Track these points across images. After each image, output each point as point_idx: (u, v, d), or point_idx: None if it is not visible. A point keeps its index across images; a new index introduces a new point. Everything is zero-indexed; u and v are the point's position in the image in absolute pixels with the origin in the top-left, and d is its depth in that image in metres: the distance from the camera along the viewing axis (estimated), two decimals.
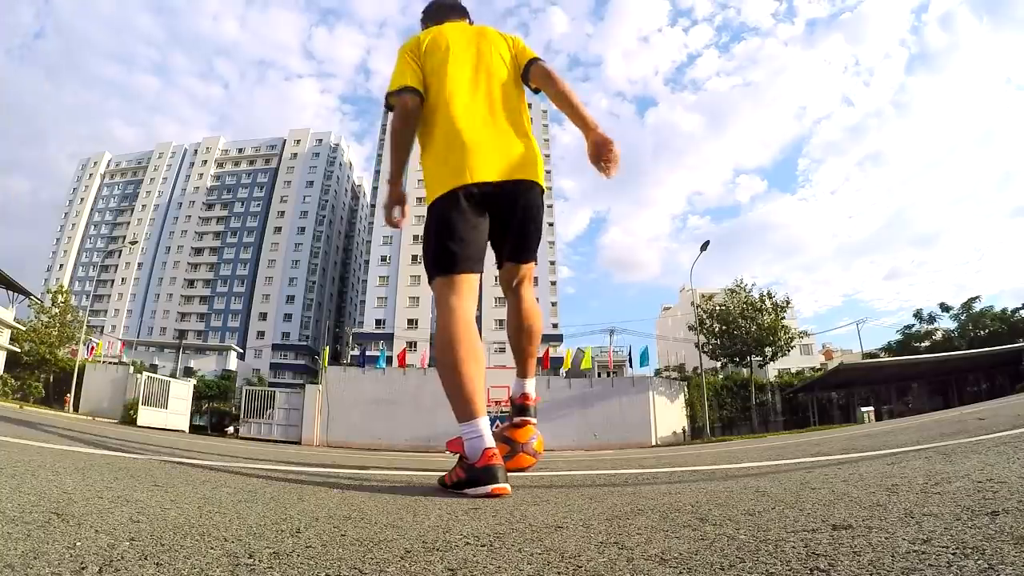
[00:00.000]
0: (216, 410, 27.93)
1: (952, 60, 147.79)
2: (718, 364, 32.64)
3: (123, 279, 74.26)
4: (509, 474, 1.72)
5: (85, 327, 30.02)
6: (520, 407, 2.27)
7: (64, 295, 30.13)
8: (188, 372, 39.97)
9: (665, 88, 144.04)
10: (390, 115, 2.02)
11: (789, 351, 27.64)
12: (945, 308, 44.66)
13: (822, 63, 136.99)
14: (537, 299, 2.30)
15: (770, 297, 27.43)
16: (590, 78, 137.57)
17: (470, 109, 1.93)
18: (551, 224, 62.71)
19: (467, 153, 1.85)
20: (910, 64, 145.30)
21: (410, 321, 57.34)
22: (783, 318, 27.17)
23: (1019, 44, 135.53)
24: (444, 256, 1.85)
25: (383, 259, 61.02)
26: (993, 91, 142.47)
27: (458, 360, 1.74)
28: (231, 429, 22.10)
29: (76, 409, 20.32)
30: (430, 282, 1.91)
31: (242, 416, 20.78)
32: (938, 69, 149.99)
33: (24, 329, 27.45)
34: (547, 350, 35.36)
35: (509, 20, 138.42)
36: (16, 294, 27.76)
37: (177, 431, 17.44)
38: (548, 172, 68.36)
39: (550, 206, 64.07)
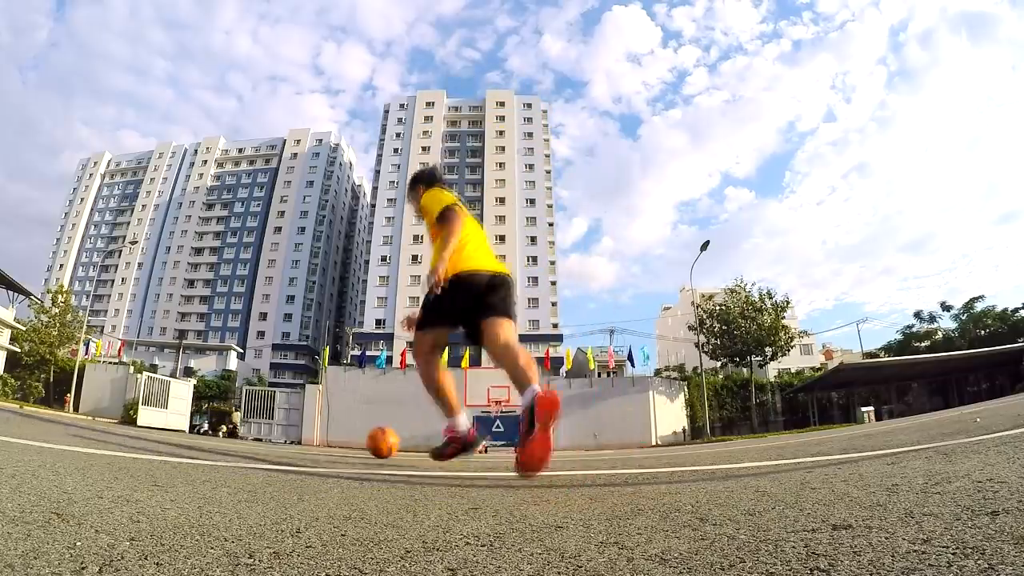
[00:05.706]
0: (216, 410, 27.92)
1: (931, 77, 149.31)
2: (718, 364, 32.62)
3: (123, 279, 74.17)
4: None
5: (85, 327, 30.01)
6: None
7: (64, 295, 30.08)
8: (188, 372, 39.91)
9: (648, 108, 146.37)
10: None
11: (789, 351, 27.61)
12: (946, 307, 44.63)
13: (808, 81, 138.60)
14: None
15: (770, 297, 27.38)
16: (581, 95, 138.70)
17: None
18: (551, 224, 62.62)
19: None
20: (890, 81, 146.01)
21: None
22: (783, 318, 27.14)
23: (998, 63, 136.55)
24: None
25: (383, 259, 60.98)
26: (976, 107, 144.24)
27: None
28: (224, 429, 21.75)
29: (76, 409, 20.30)
30: (503, 320, 2.61)
31: (241, 416, 20.73)
32: (919, 87, 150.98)
33: (24, 329, 27.40)
34: (547, 350, 35.34)
35: (509, 40, 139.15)
36: (16, 294, 27.75)
37: (177, 431, 17.45)
38: (548, 172, 67.94)
39: (549, 205, 64.08)
